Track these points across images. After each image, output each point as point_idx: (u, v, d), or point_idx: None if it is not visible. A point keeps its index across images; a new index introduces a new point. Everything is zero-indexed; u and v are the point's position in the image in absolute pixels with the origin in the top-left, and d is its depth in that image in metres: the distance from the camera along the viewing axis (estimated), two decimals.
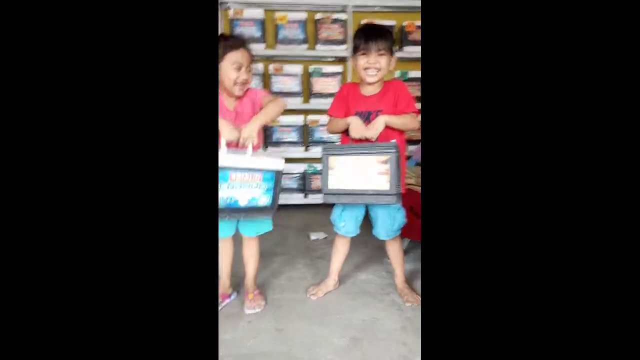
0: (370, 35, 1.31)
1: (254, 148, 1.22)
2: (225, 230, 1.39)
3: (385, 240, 1.47)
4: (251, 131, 1.21)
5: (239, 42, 1.29)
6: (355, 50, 1.34)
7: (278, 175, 1.23)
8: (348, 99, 1.39)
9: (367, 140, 1.29)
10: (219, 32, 1.41)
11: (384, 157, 1.21)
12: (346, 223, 1.45)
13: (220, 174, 1.10)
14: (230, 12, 2.68)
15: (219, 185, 1.11)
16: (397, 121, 1.31)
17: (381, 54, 1.30)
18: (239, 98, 1.33)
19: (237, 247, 1.47)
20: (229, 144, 1.18)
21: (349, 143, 1.33)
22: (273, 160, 1.22)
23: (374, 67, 1.30)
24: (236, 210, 1.17)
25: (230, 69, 1.26)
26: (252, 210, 1.22)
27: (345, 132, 1.36)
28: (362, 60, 1.32)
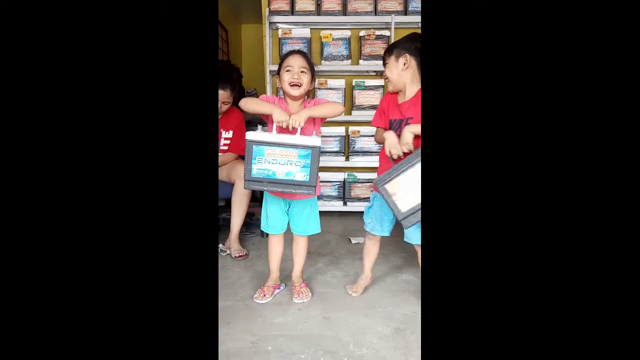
0: (384, 54, 1.49)
1: (305, 132, 1.34)
2: (277, 227, 1.53)
3: (417, 248, 1.47)
4: (299, 117, 1.31)
5: (290, 51, 1.47)
6: None
7: (314, 152, 1.29)
8: (386, 109, 1.51)
9: (405, 154, 1.34)
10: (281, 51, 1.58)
11: None
12: (372, 220, 1.52)
13: (257, 148, 1.28)
14: (280, 32, 2.89)
15: (257, 159, 1.29)
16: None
17: (386, 63, 1.47)
18: (303, 105, 1.47)
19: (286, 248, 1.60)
20: (279, 128, 1.32)
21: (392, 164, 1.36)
22: (309, 139, 1.30)
23: (387, 79, 1.47)
24: (274, 182, 1.31)
25: (284, 71, 1.43)
26: (290, 184, 1.31)
27: None
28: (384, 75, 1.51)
